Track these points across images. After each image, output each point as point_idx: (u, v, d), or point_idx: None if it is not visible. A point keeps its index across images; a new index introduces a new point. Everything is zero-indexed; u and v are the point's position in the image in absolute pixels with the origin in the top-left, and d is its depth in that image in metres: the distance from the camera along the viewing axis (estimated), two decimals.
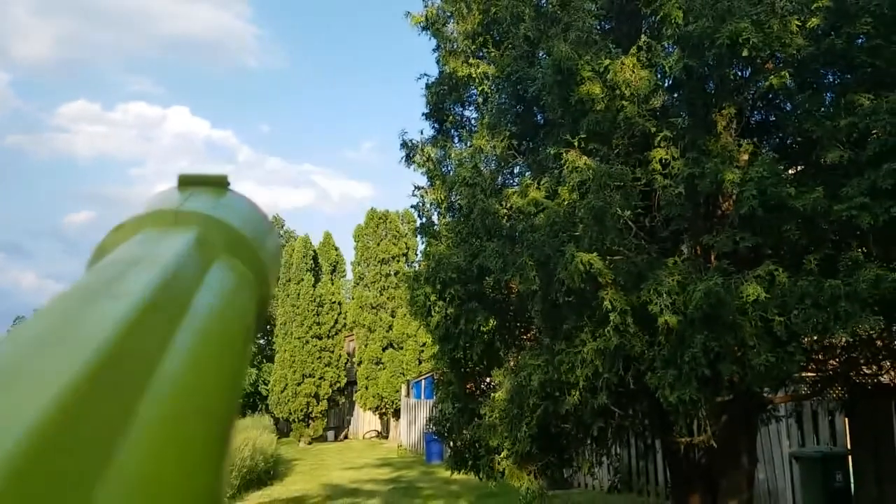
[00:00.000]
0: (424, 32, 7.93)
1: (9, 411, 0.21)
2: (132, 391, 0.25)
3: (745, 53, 5.53)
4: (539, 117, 7.24)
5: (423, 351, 22.60)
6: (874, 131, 5.25)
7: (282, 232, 35.78)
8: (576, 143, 5.61)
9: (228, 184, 0.47)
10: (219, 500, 0.29)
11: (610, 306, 4.85)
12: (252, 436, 17.29)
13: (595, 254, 4.88)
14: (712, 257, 5.61)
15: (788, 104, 6.28)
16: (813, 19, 5.54)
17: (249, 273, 0.41)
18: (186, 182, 0.46)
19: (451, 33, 7.81)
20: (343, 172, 76.91)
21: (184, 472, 0.27)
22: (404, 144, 7.94)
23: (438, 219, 7.92)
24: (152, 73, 63.79)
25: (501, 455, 6.13)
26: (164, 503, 0.25)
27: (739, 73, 6.24)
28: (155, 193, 0.46)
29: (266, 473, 17.00)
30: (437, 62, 7.92)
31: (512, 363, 6.76)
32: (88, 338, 0.25)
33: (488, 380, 7.39)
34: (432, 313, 7.06)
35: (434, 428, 7.63)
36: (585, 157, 5.46)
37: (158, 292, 0.30)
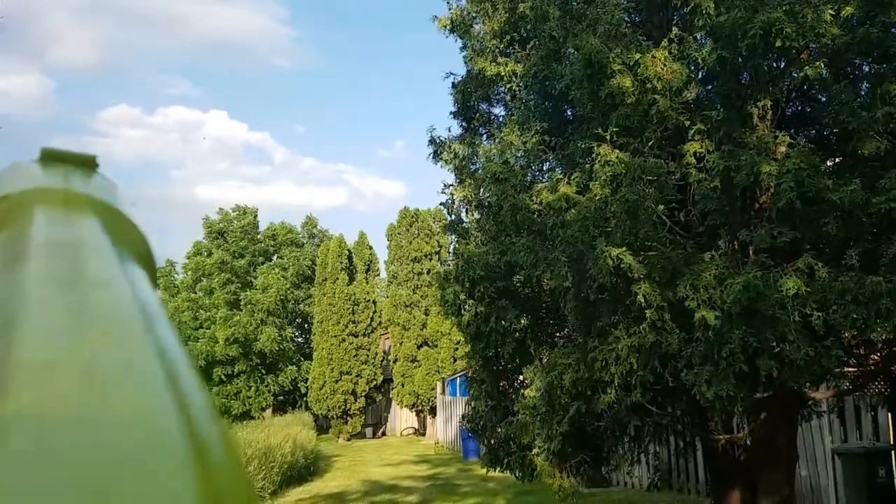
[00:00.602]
0: (452, 35, 7.88)
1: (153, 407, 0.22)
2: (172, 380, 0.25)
3: (778, 44, 5.38)
4: (568, 113, 7.14)
5: (457, 349, 22.56)
6: None
7: (315, 231, 35.96)
8: (608, 138, 5.51)
9: (98, 165, 0.44)
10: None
11: (644, 301, 4.74)
12: (293, 432, 17.42)
13: (625, 248, 4.78)
14: (750, 252, 5.47)
15: (824, 95, 6.10)
16: (847, 8, 5.37)
17: (139, 256, 0.39)
18: (51, 157, 0.42)
19: (478, 33, 7.75)
20: (376, 171, 77.19)
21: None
22: (432, 141, 7.90)
23: (467, 216, 7.87)
24: (191, 76, 64.51)
25: (534, 453, 6.05)
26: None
27: (774, 65, 6.09)
28: (16, 164, 0.42)
29: (306, 469, 17.11)
30: (465, 61, 7.87)
31: (544, 360, 6.67)
32: (121, 322, 0.25)
33: (521, 377, 7.32)
34: (462, 312, 7.01)
35: (468, 425, 7.58)
36: (617, 151, 5.36)
37: (122, 273, 0.30)
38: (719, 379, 4.41)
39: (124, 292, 0.28)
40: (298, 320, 33.31)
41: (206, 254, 31.23)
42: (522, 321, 7.14)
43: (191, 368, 0.28)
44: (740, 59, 5.82)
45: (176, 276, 31.73)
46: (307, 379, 27.80)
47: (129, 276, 0.32)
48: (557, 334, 7.46)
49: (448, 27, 7.86)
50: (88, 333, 0.24)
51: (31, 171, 0.41)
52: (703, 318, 4.49)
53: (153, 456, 0.21)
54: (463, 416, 7.96)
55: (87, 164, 0.43)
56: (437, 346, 24.05)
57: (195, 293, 30.50)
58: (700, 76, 6.21)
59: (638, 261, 4.83)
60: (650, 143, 5.66)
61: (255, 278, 30.76)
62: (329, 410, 25.37)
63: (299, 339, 32.86)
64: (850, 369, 6.76)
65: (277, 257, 32.83)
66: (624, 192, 4.88)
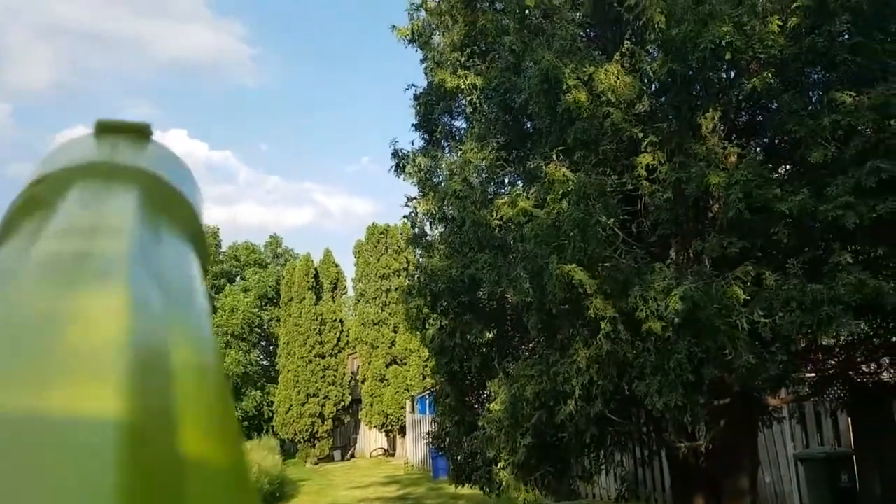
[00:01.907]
0: (411, 45, 8.06)
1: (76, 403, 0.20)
2: (164, 378, 0.24)
3: (728, 57, 5.63)
4: (527, 126, 7.34)
5: (426, 366, 22.63)
6: (859, 128, 5.33)
7: (279, 251, 35.87)
8: (554, 156, 5.71)
9: (151, 132, 0.42)
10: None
11: (594, 315, 4.93)
12: (257, 458, 17.35)
13: (575, 265, 4.97)
14: (706, 261, 5.68)
15: (774, 104, 6.36)
16: (793, 18, 5.64)
17: (189, 233, 0.38)
18: (105, 129, 0.41)
19: (438, 45, 7.93)
20: (343, 188, 77.17)
21: (230, 449, 0.26)
22: (395, 154, 8.05)
23: (431, 229, 8.02)
24: (150, 97, 64.00)
25: (499, 466, 6.20)
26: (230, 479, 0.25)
27: (724, 76, 6.34)
28: (69, 140, 0.41)
29: (272, 496, 17.04)
30: (425, 73, 8.04)
31: (510, 373, 6.83)
32: (108, 332, 0.24)
33: (486, 392, 7.47)
34: (427, 326, 7.14)
35: (434, 442, 7.70)
36: (564, 169, 5.55)
37: (135, 267, 0.28)
38: (668, 389, 4.60)
39: (117, 284, 0.26)
40: (263, 343, 33.15)
41: None
42: (487, 335, 7.30)
43: (194, 370, 0.26)
44: (691, 72, 6.07)
45: None
46: (272, 403, 27.65)
47: (147, 257, 0.30)
48: (523, 347, 7.62)
49: (408, 38, 8.04)
50: (53, 334, 0.23)
51: (79, 145, 0.40)
52: (650, 329, 4.69)
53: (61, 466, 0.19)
54: (428, 433, 8.07)
55: (140, 132, 0.42)
56: (406, 363, 24.10)
57: None
58: (652, 89, 6.45)
59: (590, 276, 5.01)
60: (604, 157, 5.87)
61: (218, 301, 30.57)
62: (296, 434, 25.26)
63: (264, 362, 32.67)
64: (809, 375, 6.99)
65: (241, 278, 32.68)
66: (571, 210, 5.07)
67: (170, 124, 68.73)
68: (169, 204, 0.37)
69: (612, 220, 5.21)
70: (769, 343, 4.66)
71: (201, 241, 0.39)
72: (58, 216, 0.32)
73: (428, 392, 21.20)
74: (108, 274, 0.27)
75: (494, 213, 6.59)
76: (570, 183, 5.26)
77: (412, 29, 8.13)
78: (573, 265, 4.95)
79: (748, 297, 4.62)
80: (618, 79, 5.98)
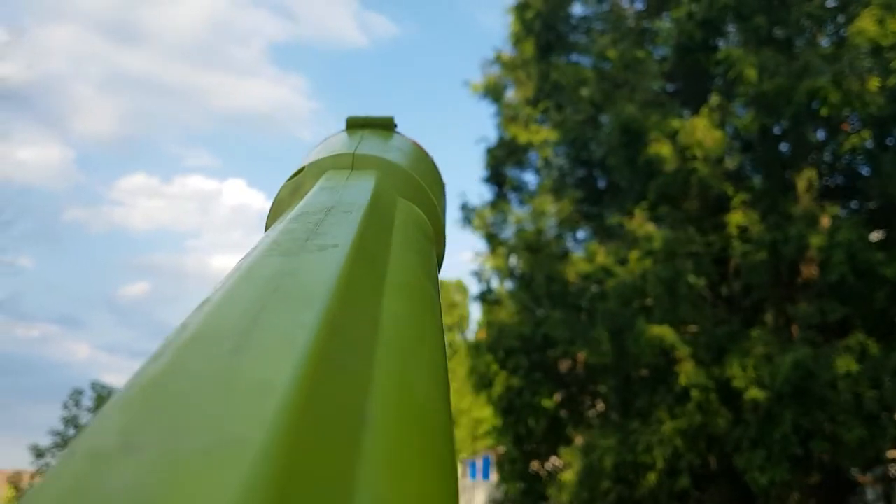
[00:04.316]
0: (484, 99, 8.15)
1: (265, 369, 0.18)
2: (363, 344, 0.23)
3: (823, 112, 5.51)
4: (601, 182, 7.29)
5: (477, 427, 22.29)
6: None
7: None
8: (646, 209, 5.61)
9: (395, 125, 0.48)
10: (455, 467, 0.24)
11: (687, 381, 4.76)
12: None
13: (667, 326, 4.82)
14: (793, 328, 5.49)
15: (867, 167, 6.21)
16: (892, 78, 5.52)
17: (424, 217, 0.40)
18: (355, 125, 0.47)
19: (512, 100, 8.00)
20: None
21: (426, 429, 0.22)
22: (463, 207, 8.06)
23: (499, 284, 7.95)
24: (210, 146, 65.61)
25: None
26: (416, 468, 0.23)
27: (816, 134, 6.22)
28: (326, 137, 0.47)
29: None
30: (498, 127, 8.10)
31: (581, 441, 6.63)
32: (310, 292, 0.23)
33: (554, 458, 7.26)
34: (494, 384, 7.02)
35: None
36: (652, 225, 5.46)
37: (359, 241, 0.29)
38: (773, 464, 4.39)
39: (336, 260, 0.26)
40: None
41: None
42: (555, 397, 7.13)
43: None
44: (782, 128, 5.97)
45: None
46: None
47: (369, 233, 0.31)
48: (591, 412, 7.42)
49: (482, 92, 8.14)
50: (260, 303, 0.22)
51: (333, 140, 0.45)
52: (753, 399, 4.50)
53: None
54: (489, 500, 7.89)
55: (384, 125, 0.47)
56: (456, 424, 23.77)
57: None
58: (738, 144, 6.36)
59: (682, 339, 4.86)
60: (689, 214, 5.76)
61: None
62: None
63: None
64: None
65: None
66: (659, 269, 4.95)
67: (229, 173, 70.11)
68: (404, 187, 0.41)
69: (703, 280, 5.08)
70: (875, 417, 4.45)
71: (435, 218, 0.42)
72: (304, 199, 0.35)
73: (480, 455, 20.84)
74: (331, 247, 0.28)
75: (569, 269, 6.50)
76: (656, 240, 5.15)
77: (486, 84, 8.23)
78: (664, 327, 4.80)
79: (860, 367, 4.42)
80: (705, 133, 5.90)
